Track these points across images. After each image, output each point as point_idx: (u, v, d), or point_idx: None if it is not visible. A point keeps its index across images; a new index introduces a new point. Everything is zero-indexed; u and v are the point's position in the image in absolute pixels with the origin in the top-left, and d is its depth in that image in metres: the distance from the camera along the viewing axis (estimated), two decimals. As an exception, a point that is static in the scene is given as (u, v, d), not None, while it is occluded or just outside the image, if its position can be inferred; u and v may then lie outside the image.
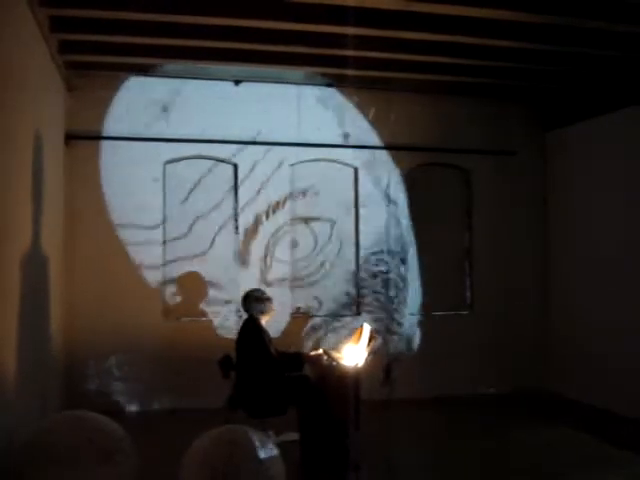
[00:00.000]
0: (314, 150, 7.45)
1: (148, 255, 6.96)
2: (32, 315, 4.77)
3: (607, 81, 6.92)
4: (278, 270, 7.30)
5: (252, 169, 7.28)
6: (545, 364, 7.82)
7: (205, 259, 7.20)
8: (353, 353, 5.16)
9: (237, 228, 7.28)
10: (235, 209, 7.28)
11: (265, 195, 7.31)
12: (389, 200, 7.64)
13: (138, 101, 6.98)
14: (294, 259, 7.43)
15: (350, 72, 6.64)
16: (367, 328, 5.20)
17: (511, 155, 7.92)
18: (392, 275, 7.62)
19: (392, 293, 7.59)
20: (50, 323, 5.66)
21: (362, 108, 7.53)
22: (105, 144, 6.91)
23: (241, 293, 5.68)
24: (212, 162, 7.26)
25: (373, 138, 7.60)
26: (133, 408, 6.80)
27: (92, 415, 3.37)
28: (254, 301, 5.35)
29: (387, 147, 7.62)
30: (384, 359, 7.14)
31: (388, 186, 7.62)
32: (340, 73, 6.81)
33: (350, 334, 5.98)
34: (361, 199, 7.59)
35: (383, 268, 7.59)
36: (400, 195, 7.70)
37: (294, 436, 5.17)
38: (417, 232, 7.76)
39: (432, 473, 5.13)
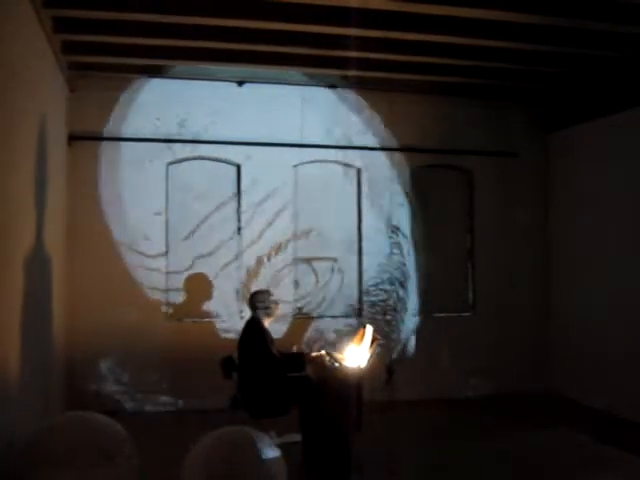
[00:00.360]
0: (317, 151, 7.46)
1: (150, 255, 6.97)
2: (34, 315, 4.77)
3: (609, 83, 6.92)
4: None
5: (256, 170, 7.29)
6: (546, 365, 7.81)
7: (209, 261, 7.23)
8: (355, 354, 5.15)
9: (240, 230, 7.28)
10: (238, 212, 7.29)
11: (270, 203, 7.33)
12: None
13: (141, 102, 6.98)
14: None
15: (352, 73, 6.65)
16: (369, 329, 5.20)
17: (513, 157, 7.92)
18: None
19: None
20: (52, 323, 5.66)
21: (364, 109, 7.53)
22: (107, 145, 6.92)
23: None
24: (215, 163, 7.27)
25: (374, 139, 7.60)
26: (135, 408, 6.80)
27: (93, 416, 3.37)
28: (259, 302, 5.36)
29: (389, 149, 7.61)
30: (386, 360, 7.14)
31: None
32: (343, 74, 6.82)
33: (352, 335, 5.98)
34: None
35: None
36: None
37: (296, 437, 5.17)
38: (419, 233, 7.76)
39: (434, 474, 5.12)
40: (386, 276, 7.61)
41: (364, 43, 5.84)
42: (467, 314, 7.88)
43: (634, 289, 6.46)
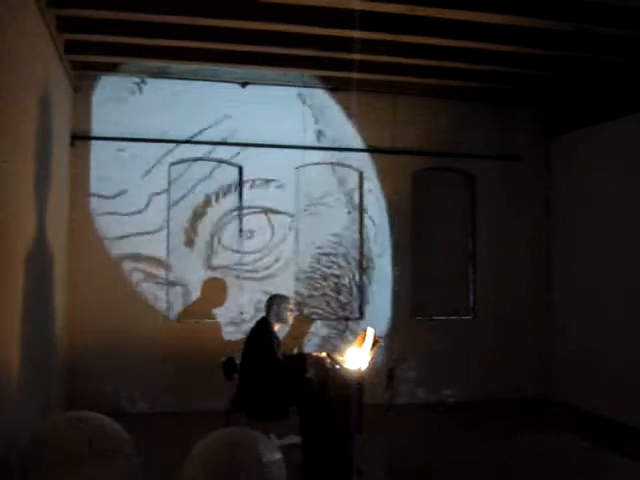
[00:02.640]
0: (318, 153, 7.46)
1: (152, 256, 6.97)
2: (36, 314, 4.77)
3: (613, 87, 6.91)
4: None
5: (257, 171, 7.29)
6: (546, 370, 7.79)
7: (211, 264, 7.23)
8: (356, 357, 5.14)
9: (241, 231, 7.28)
10: (240, 211, 7.29)
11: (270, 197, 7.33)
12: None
13: (145, 102, 6.98)
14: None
15: (356, 75, 6.64)
16: (371, 332, 5.19)
17: (516, 160, 7.91)
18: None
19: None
20: (54, 322, 5.66)
21: (368, 112, 7.52)
22: (110, 145, 6.91)
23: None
24: (216, 164, 7.27)
25: (377, 141, 7.59)
26: (135, 409, 6.79)
27: (94, 416, 3.36)
28: (275, 305, 5.36)
29: (391, 151, 7.60)
30: (387, 363, 7.13)
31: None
32: (346, 76, 6.82)
33: (354, 337, 5.97)
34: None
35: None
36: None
37: (295, 439, 5.16)
38: (420, 236, 7.75)
39: (434, 478, 5.11)
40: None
41: (368, 45, 5.83)
42: (468, 318, 7.87)
43: (636, 293, 6.45)
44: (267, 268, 7.25)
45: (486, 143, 7.88)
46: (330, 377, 5.07)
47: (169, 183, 7.09)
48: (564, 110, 7.83)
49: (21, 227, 4.37)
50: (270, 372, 5.04)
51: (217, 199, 7.26)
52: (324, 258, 7.50)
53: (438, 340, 7.57)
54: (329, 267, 7.48)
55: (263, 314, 5.53)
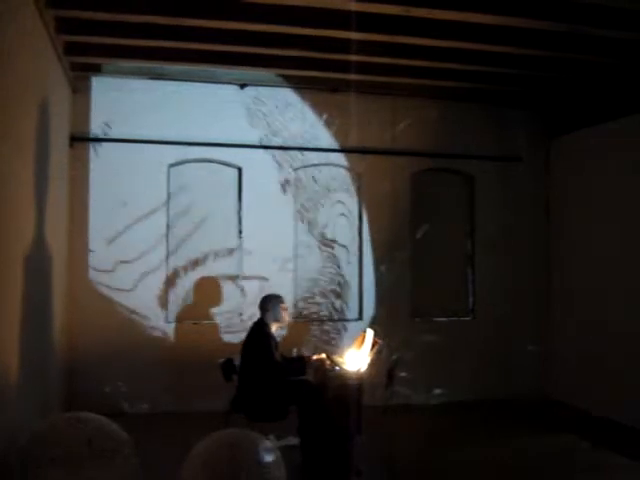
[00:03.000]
0: (317, 155, 7.47)
1: (153, 256, 6.97)
2: (35, 315, 4.77)
3: (612, 88, 6.92)
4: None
5: (256, 172, 7.29)
6: (546, 370, 7.80)
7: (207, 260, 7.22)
8: (355, 358, 5.14)
9: (240, 232, 7.28)
10: (239, 212, 7.29)
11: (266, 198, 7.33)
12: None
13: (143, 103, 6.99)
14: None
15: (354, 77, 6.65)
16: (370, 333, 5.19)
17: (515, 161, 7.92)
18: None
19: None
20: (53, 323, 5.66)
21: (365, 113, 7.52)
22: (109, 146, 6.92)
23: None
24: (216, 165, 7.28)
25: (375, 142, 7.59)
26: (134, 410, 6.79)
27: (93, 416, 3.35)
28: (270, 306, 5.34)
29: (390, 152, 7.61)
30: (386, 364, 7.13)
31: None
32: (344, 78, 6.82)
33: (353, 339, 5.97)
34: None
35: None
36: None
37: (293, 441, 5.15)
38: (419, 237, 7.76)
39: (433, 478, 5.11)
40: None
41: (367, 47, 5.84)
42: (467, 318, 7.88)
43: (636, 293, 6.45)
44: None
45: (485, 144, 7.88)
46: (329, 378, 5.07)
47: (168, 183, 7.09)
48: (563, 111, 7.84)
49: (20, 228, 4.37)
50: (268, 374, 5.04)
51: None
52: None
53: (437, 341, 7.58)
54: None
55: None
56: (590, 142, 7.29)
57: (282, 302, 5.45)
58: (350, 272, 7.61)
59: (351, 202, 7.64)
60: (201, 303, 7.14)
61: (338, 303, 7.58)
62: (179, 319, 7.08)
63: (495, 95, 7.59)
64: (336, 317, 7.53)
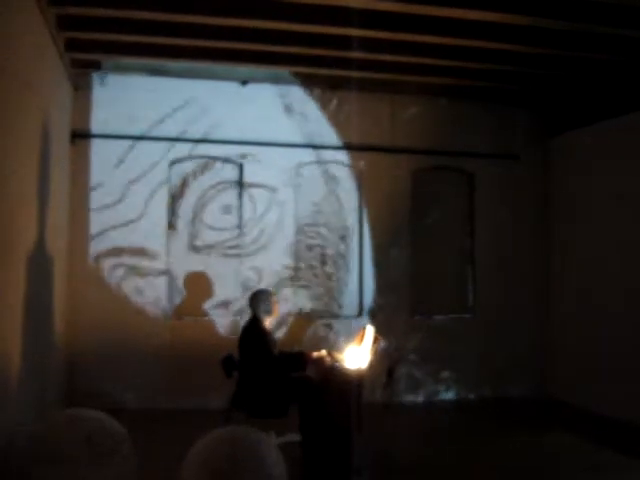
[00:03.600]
0: (317, 152, 7.46)
1: (151, 254, 6.97)
2: (35, 313, 4.77)
3: (612, 86, 6.91)
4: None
5: (258, 169, 7.29)
6: (546, 369, 7.80)
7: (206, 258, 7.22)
8: (356, 355, 5.14)
9: (241, 229, 7.28)
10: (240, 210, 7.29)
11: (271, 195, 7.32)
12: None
13: (144, 100, 6.98)
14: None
15: (355, 74, 6.63)
16: (370, 330, 5.19)
17: (515, 159, 7.91)
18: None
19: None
20: (53, 321, 5.66)
21: (366, 111, 7.51)
22: (110, 143, 6.91)
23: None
24: (218, 162, 7.27)
25: (375, 140, 7.57)
26: (134, 407, 6.78)
27: (92, 414, 3.34)
28: (260, 301, 5.34)
29: (390, 150, 7.60)
30: (387, 361, 7.13)
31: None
32: (345, 75, 6.81)
33: (353, 335, 5.96)
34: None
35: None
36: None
37: (294, 437, 5.15)
38: (419, 235, 7.75)
39: (433, 477, 5.11)
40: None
41: (368, 44, 5.83)
42: (467, 316, 7.87)
43: (636, 293, 6.45)
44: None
45: (485, 142, 7.87)
46: (330, 375, 5.06)
47: (169, 180, 7.08)
48: (563, 109, 7.83)
49: (21, 225, 4.37)
50: (267, 370, 5.03)
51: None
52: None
53: (437, 339, 7.57)
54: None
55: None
56: (589, 140, 7.28)
57: (271, 295, 5.44)
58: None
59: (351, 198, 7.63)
60: (196, 299, 7.14)
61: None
62: (178, 315, 7.07)
63: (495, 93, 7.58)
64: (337, 312, 7.52)
